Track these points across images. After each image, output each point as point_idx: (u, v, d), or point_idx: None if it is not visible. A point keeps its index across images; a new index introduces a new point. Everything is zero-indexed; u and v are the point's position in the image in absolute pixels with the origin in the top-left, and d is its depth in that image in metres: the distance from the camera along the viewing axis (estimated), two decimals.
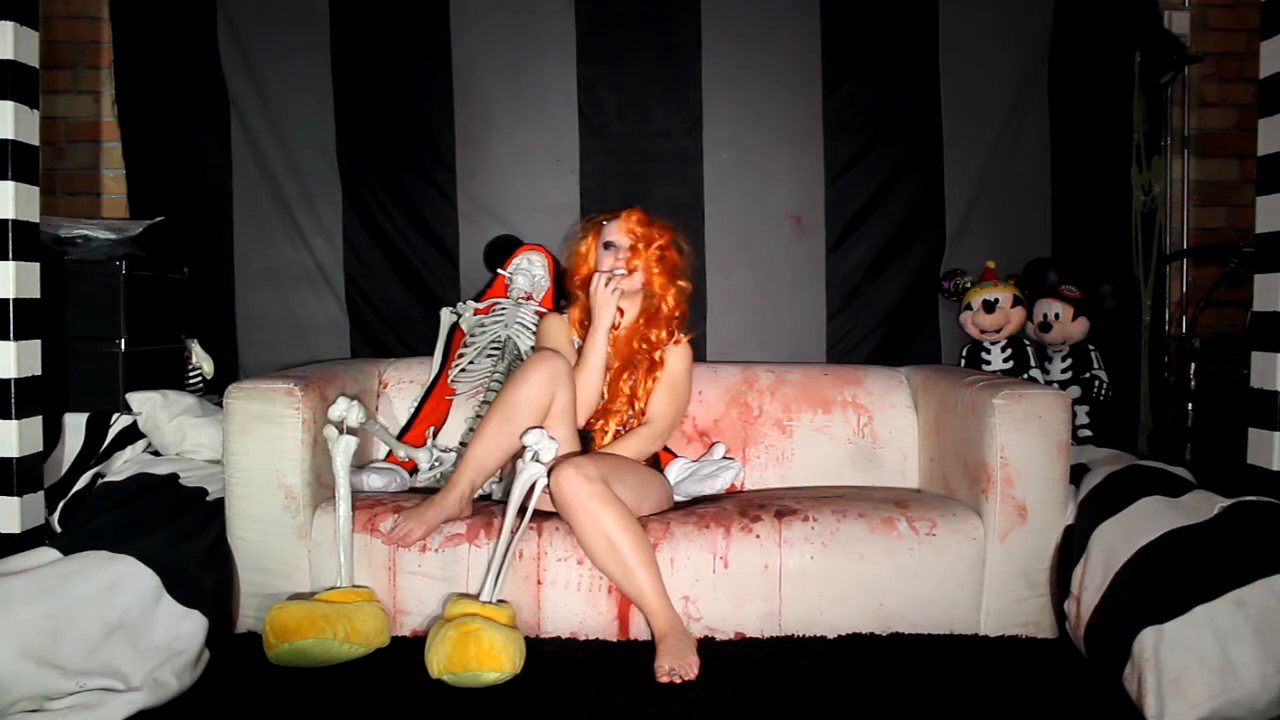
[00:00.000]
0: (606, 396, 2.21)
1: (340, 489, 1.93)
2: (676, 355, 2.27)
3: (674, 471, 2.31)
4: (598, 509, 1.85)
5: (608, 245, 2.25)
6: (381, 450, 2.41)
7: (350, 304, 2.83)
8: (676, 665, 1.73)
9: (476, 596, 1.83)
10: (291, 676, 1.75)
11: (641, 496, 2.01)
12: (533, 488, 1.87)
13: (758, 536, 1.96)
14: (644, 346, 2.25)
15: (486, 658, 1.67)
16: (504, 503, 2.02)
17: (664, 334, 2.26)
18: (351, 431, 1.96)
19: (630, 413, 2.22)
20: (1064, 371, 2.69)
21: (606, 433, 2.20)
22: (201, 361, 2.68)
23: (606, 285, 2.17)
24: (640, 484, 2.04)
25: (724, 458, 2.37)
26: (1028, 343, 2.73)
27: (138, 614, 1.69)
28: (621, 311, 2.27)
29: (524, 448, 1.90)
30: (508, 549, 1.87)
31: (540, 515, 1.96)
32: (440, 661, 1.68)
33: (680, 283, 2.29)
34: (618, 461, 2.04)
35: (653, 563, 1.88)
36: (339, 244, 2.81)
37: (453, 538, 1.96)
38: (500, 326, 2.47)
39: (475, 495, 2.02)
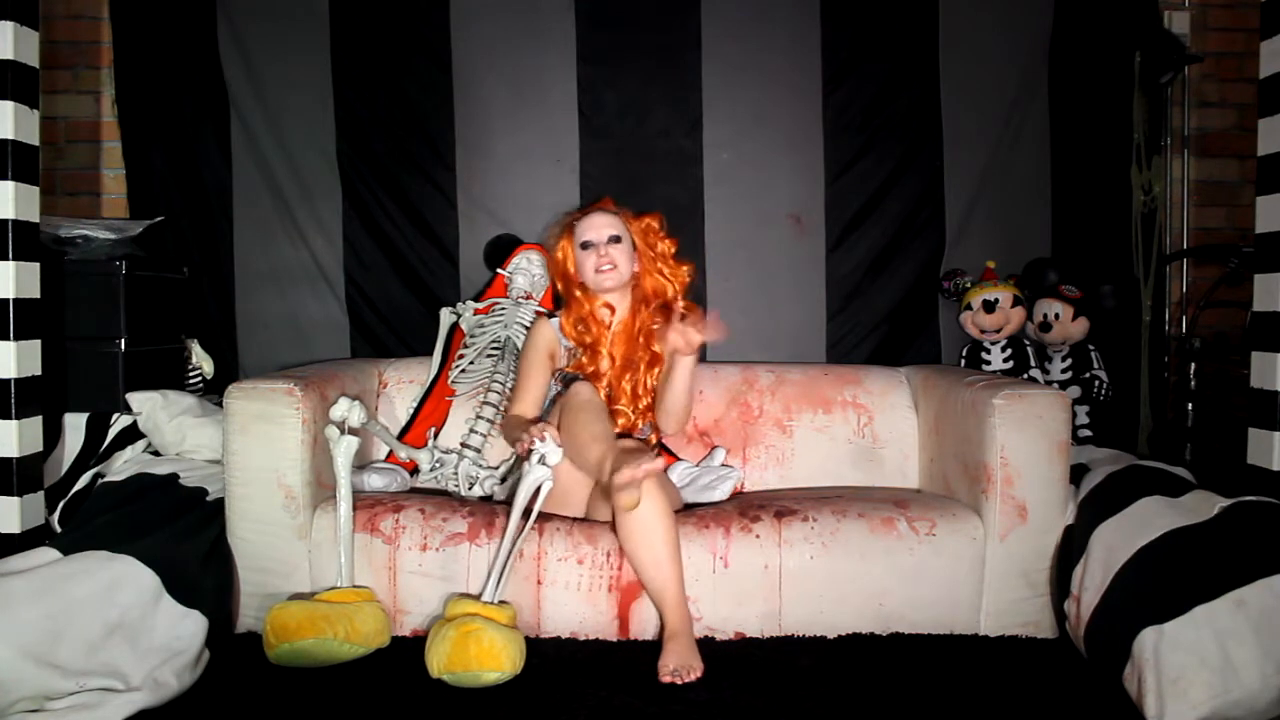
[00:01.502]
0: (612, 399, 2.20)
1: (341, 489, 1.93)
2: None
3: (674, 478, 2.30)
4: (652, 489, 1.84)
5: (585, 246, 2.22)
6: (382, 450, 2.41)
7: (350, 304, 2.83)
8: (680, 667, 1.73)
9: (478, 597, 1.83)
10: (291, 677, 1.75)
11: (671, 498, 2.03)
12: (538, 491, 1.86)
13: (758, 536, 1.96)
14: (642, 341, 2.21)
15: (486, 657, 1.67)
16: (507, 503, 2.03)
17: (664, 313, 2.20)
18: (353, 432, 1.96)
19: (635, 413, 2.20)
20: (1064, 371, 2.69)
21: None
22: (201, 361, 2.68)
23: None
24: (671, 489, 2.08)
25: (723, 465, 2.37)
26: (1028, 343, 2.73)
27: (138, 614, 1.69)
28: (612, 309, 2.25)
29: (530, 451, 1.89)
30: (511, 550, 1.87)
31: (541, 516, 1.96)
32: (440, 661, 1.68)
33: (685, 268, 2.28)
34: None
35: (679, 560, 1.87)
36: (339, 244, 2.81)
37: (453, 537, 1.96)
38: (500, 327, 2.47)
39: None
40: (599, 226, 2.22)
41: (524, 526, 1.88)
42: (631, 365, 2.21)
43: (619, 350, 2.23)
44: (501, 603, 1.86)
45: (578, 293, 2.25)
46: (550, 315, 2.31)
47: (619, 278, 2.20)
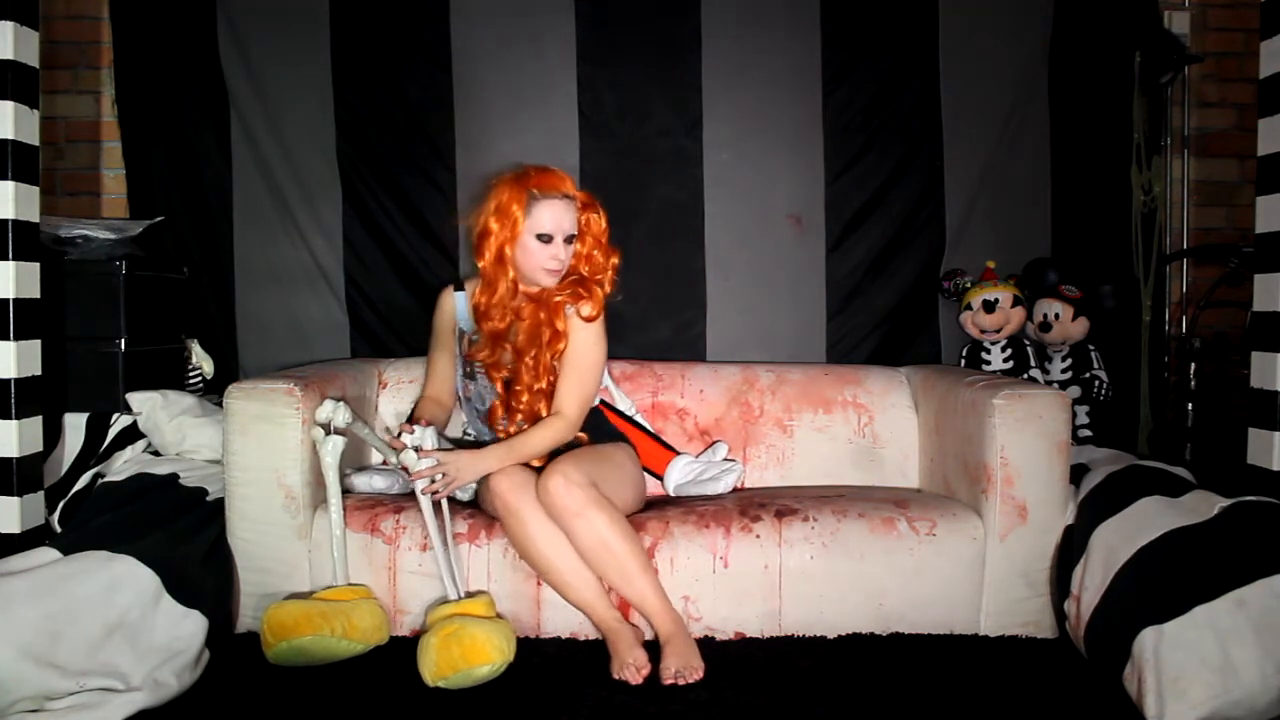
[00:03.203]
0: (512, 383, 2.05)
1: (331, 489, 1.93)
2: (579, 328, 2.03)
3: (676, 474, 2.30)
4: (594, 515, 1.82)
5: (541, 237, 2.00)
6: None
7: (350, 304, 2.83)
8: (682, 667, 1.73)
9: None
10: (291, 676, 1.75)
11: (623, 489, 1.99)
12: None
13: (758, 536, 1.96)
14: (548, 316, 2.02)
15: (472, 654, 1.67)
16: (468, 503, 2.07)
17: (574, 296, 2.03)
18: (339, 432, 1.96)
19: (532, 395, 2.03)
20: (1064, 371, 2.69)
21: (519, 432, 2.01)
22: (201, 361, 2.68)
23: (424, 492, 1.88)
24: (619, 477, 2.01)
25: (725, 459, 2.37)
26: (1028, 343, 2.73)
27: (138, 614, 1.69)
28: (530, 299, 2.07)
29: (404, 447, 1.90)
30: (445, 544, 1.88)
31: None
32: (430, 670, 1.68)
33: (613, 259, 2.12)
34: (593, 456, 1.98)
35: (650, 565, 1.88)
36: (339, 244, 2.81)
37: (453, 538, 1.95)
38: None
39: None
40: (563, 222, 2.01)
41: (442, 517, 1.91)
42: (535, 341, 2.03)
43: (525, 323, 2.04)
44: (473, 594, 1.88)
45: (510, 273, 2.03)
46: (458, 287, 2.18)
47: (559, 278, 2.06)
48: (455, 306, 2.16)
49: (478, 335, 2.10)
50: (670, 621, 1.83)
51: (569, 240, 2.04)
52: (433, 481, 1.88)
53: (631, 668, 1.73)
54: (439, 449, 1.94)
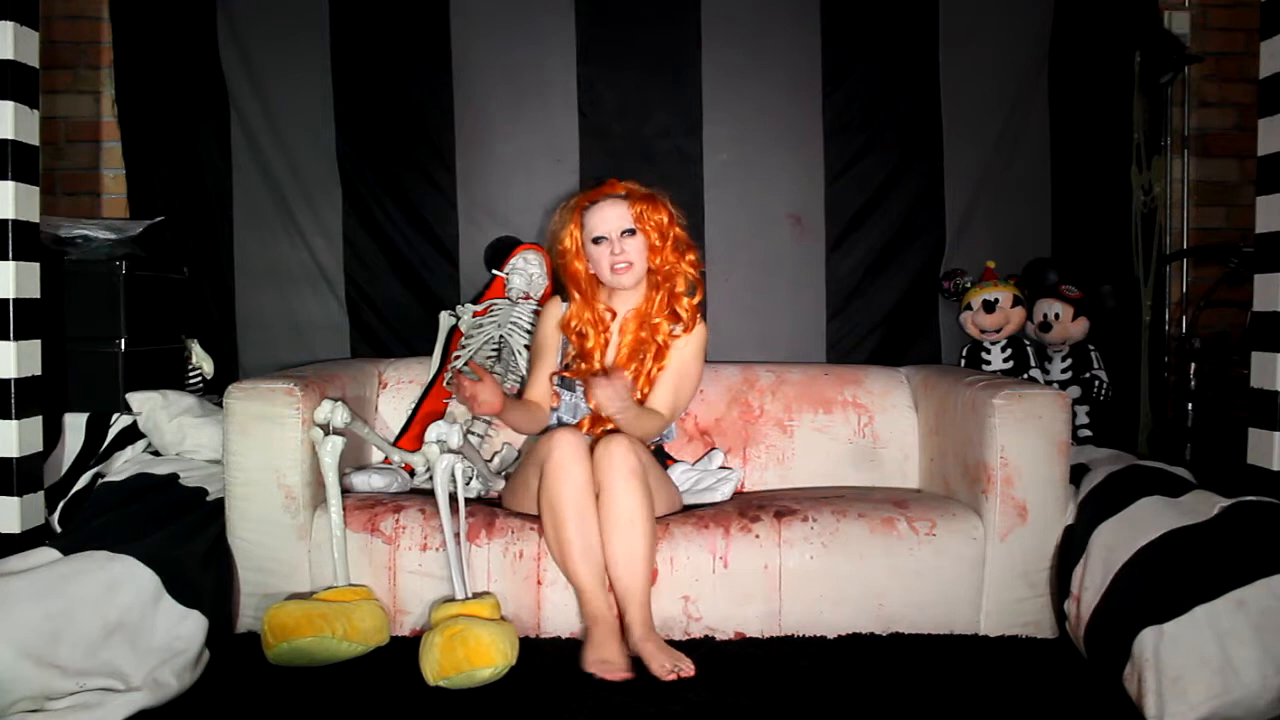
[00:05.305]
0: None
1: (330, 489, 1.93)
2: (685, 342, 2.14)
3: (674, 480, 2.29)
4: (639, 490, 1.86)
5: (597, 241, 2.11)
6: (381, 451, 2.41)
7: (350, 304, 2.83)
8: (675, 663, 1.73)
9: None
10: (292, 676, 1.75)
11: (656, 497, 2.00)
12: (454, 476, 1.91)
13: (757, 537, 1.96)
14: (650, 334, 2.13)
15: (476, 656, 1.67)
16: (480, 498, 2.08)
17: (672, 316, 2.14)
18: (338, 432, 1.96)
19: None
20: (1064, 371, 2.69)
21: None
22: (201, 361, 2.68)
23: (462, 392, 1.97)
24: (659, 486, 2.03)
25: (722, 466, 2.36)
26: (1028, 343, 2.73)
27: (138, 614, 1.69)
28: (614, 313, 2.18)
29: (427, 442, 1.93)
30: (458, 541, 1.88)
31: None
32: (433, 669, 1.68)
33: (690, 256, 2.16)
34: (649, 456, 2.03)
35: (653, 563, 1.89)
36: (339, 244, 2.81)
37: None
38: (494, 327, 2.46)
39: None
40: (611, 220, 2.09)
41: (458, 515, 1.91)
42: (637, 354, 2.13)
43: (628, 338, 2.14)
44: (480, 594, 1.88)
45: (580, 292, 2.17)
46: (564, 299, 2.25)
47: (635, 275, 2.12)
48: (557, 318, 2.22)
49: (575, 352, 2.18)
50: (644, 622, 1.82)
51: (627, 235, 2.09)
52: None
53: (615, 668, 1.72)
54: (464, 445, 1.97)
